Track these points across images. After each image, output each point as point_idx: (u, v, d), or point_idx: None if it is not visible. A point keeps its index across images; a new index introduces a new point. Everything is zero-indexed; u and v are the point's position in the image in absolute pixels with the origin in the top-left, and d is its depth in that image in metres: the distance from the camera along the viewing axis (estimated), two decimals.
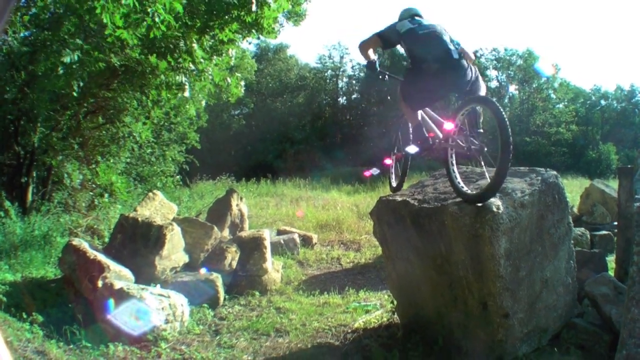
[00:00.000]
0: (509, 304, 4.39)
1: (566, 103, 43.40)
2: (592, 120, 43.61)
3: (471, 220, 4.36)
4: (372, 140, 33.06)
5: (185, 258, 7.58)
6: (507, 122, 4.04)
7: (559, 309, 4.91)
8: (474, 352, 4.67)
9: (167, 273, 7.20)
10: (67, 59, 7.75)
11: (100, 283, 6.10)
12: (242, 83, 11.87)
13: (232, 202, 9.72)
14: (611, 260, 7.15)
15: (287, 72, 42.54)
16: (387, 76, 5.63)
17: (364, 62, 5.50)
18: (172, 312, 5.97)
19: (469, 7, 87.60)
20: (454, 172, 4.76)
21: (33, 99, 9.18)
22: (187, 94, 10.40)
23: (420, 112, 5.24)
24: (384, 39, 5.28)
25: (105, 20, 7.16)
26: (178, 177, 16.28)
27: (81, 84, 8.22)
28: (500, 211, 4.30)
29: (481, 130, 4.62)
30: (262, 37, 10.94)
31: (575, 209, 11.55)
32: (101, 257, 6.61)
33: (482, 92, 4.98)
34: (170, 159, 15.99)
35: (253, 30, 10.10)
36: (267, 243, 8.36)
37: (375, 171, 7.68)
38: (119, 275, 6.46)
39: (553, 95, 43.71)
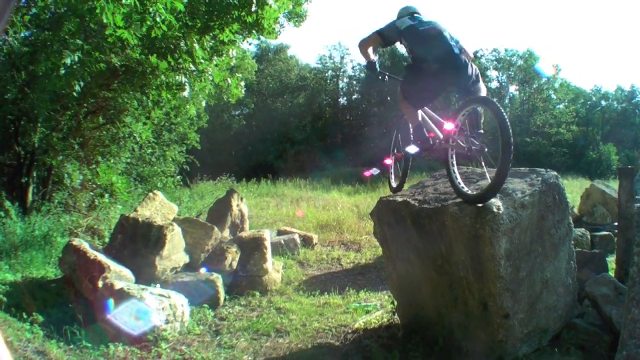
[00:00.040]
0: (509, 304, 4.39)
1: (567, 103, 43.40)
2: (593, 120, 43.60)
3: (471, 220, 4.36)
4: (372, 140, 33.05)
5: (185, 258, 7.58)
6: (508, 123, 4.04)
7: (559, 310, 4.91)
8: (475, 352, 4.67)
9: (167, 273, 7.20)
10: (67, 60, 7.76)
11: (100, 283, 6.10)
12: (242, 83, 11.88)
13: (232, 203, 9.72)
14: (611, 260, 7.15)
15: (288, 72, 42.54)
16: (387, 77, 5.64)
17: (364, 62, 5.51)
18: (172, 313, 5.96)
19: (469, 7, 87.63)
20: (455, 172, 4.76)
21: (33, 99, 9.19)
22: (186, 93, 10.41)
23: (420, 113, 5.24)
24: (384, 37, 5.29)
25: (105, 20, 7.16)
26: (178, 177, 16.29)
27: (82, 84, 8.22)
28: (500, 212, 4.30)
29: (482, 131, 4.62)
30: (262, 38, 10.94)
31: (575, 210, 11.54)
32: (101, 257, 6.61)
33: (483, 93, 4.99)
34: (170, 159, 16.00)
35: (254, 31, 10.11)
36: (268, 243, 8.36)
37: (375, 171, 7.68)
38: (119, 275, 6.46)
39: (553, 96, 43.70)
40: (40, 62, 8.32)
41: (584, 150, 38.89)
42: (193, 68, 9.66)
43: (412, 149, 5.24)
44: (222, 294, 7.29)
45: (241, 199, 10.15)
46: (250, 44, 19.18)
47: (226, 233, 9.22)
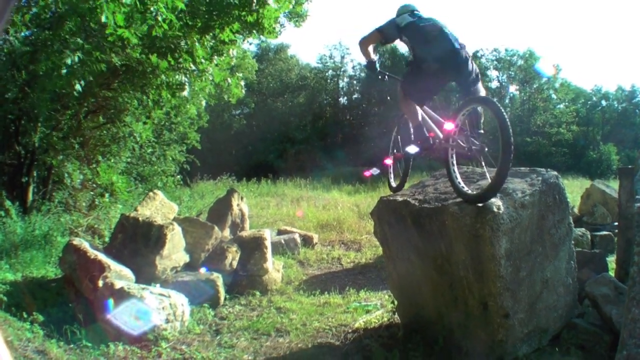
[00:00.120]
0: (510, 304, 4.39)
1: (567, 103, 43.46)
2: (593, 120, 43.67)
3: (472, 220, 4.36)
4: (372, 140, 33.07)
5: (185, 258, 7.58)
6: (508, 123, 4.04)
7: (560, 310, 4.91)
8: (475, 352, 4.67)
9: (167, 273, 7.20)
10: (68, 60, 7.76)
11: (100, 283, 6.10)
12: (243, 83, 11.89)
13: (232, 202, 9.72)
14: (612, 260, 7.15)
15: (288, 72, 42.56)
16: (386, 76, 5.65)
17: (364, 61, 5.51)
18: (172, 312, 5.96)
19: (469, 7, 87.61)
20: (455, 172, 4.76)
21: (34, 98, 9.18)
22: (186, 93, 10.42)
23: (420, 113, 5.24)
24: (384, 34, 5.30)
25: (104, 20, 7.16)
26: (179, 176, 16.29)
27: (83, 83, 8.22)
28: (500, 211, 4.30)
29: (482, 131, 4.62)
30: (263, 37, 10.94)
31: (575, 210, 11.55)
32: (102, 257, 6.61)
33: (482, 94, 5.00)
34: (170, 158, 16.00)
35: (254, 31, 10.11)
36: (268, 243, 8.36)
37: (375, 171, 7.67)
38: (119, 274, 6.46)
39: (554, 96, 43.76)
40: (41, 62, 8.32)
41: (584, 150, 38.94)
42: (193, 67, 9.66)
43: (412, 149, 5.24)
44: (222, 294, 7.29)
45: (241, 198, 10.15)
46: (250, 44, 19.22)
47: (226, 232, 9.22)
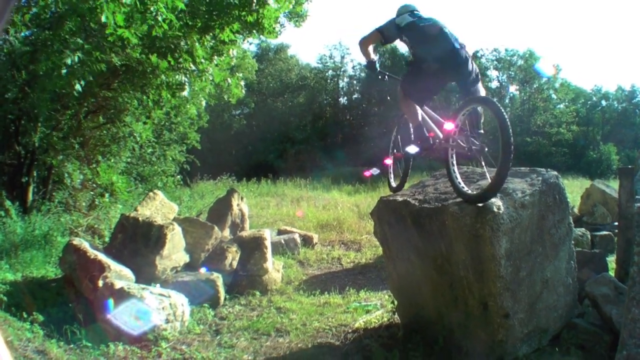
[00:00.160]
0: (510, 304, 4.39)
1: (567, 103, 43.45)
2: (593, 120, 43.65)
3: (472, 220, 4.36)
4: (372, 140, 33.06)
5: (185, 258, 7.58)
6: (508, 123, 4.04)
7: (560, 309, 4.91)
8: (475, 352, 4.67)
9: (167, 273, 7.20)
10: (68, 60, 7.76)
11: (100, 283, 6.10)
12: (242, 83, 11.89)
13: (232, 202, 9.72)
14: (612, 260, 7.15)
15: (288, 72, 42.55)
16: (386, 76, 5.66)
17: (364, 61, 5.52)
18: (172, 312, 5.96)
19: (470, 7, 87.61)
20: (455, 172, 4.76)
21: (34, 98, 9.18)
22: (185, 93, 10.42)
23: (420, 113, 5.24)
24: (384, 34, 5.30)
25: (104, 20, 7.16)
26: (179, 176, 16.29)
27: (83, 83, 8.22)
28: (500, 211, 4.30)
29: (482, 131, 4.62)
30: (263, 37, 10.95)
31: (575, 210, 11.55)
32: (102, 257, 6.61)
33: (482, 94, 5.01)
34: (170, 158, 16.00)
35: (254, 31, 10.11)
36: (268, 243, 8.36)
37: (375, 171, 7.68)
38: (119, 274, 6.46)
39: (554, 96, 43.74)
40: (41, 62, 8.32)
41: (584, 150, 38.93)
42: (193, 68, 9.66)
43: (412, 149, 5.24)
44: (222, 294, 7.29)
45: (241, 198, 10.15)
46: (250, 44, 19.22)
47: (226, 232, 9.22)
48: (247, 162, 34.07)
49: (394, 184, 6.19)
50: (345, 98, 44.55)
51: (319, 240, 11.59)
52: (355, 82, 44.05)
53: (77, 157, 11.33)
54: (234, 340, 5.98)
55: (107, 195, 11.56)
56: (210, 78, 10.43)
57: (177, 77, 9.82)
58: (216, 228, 8.25)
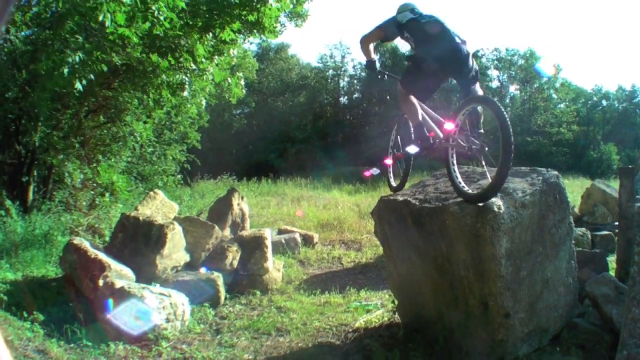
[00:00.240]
0: (510, 303, 4.39)
1: (567, 103, 43.46)
2: (594, 120, 43.66)
3: (472, 220, 4.36)
4: (373, 139, 33.02)
5: (186, 257, 7.58)
6: (509, 122, 4.03)
7: (560, 309, 4.91)
8: (475, 352, 4.67)
9: (168, 272, 7.20)
10: (69, 60, 7.75)
11: (101, 282, 6.10)
12: (243, 83, 11.89)
13: (233, 202, 9.72)
14: (612, 260, 7.15)
15: (289, 71, 42.53)
16: (386, 76, 5.65)
17: (364, 60, 5.51)
18: (173, 311, 5.97)
19: (470, 6, 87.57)
20: (455, 171, 4.75)
21: (34, 98, 9.17)
22: (186, 93, 10.42)
23: (421, 112, 5.24)
24: (385, 31, 5.32)
25: (101, 19, 7.16)
26: (179, 176, 16.28)
27: (85, 82, 8.21)
28: (501, 211, 4.30)
29: (482, 130, 4.62)
30: (263, 37, 10.94)
31: (576, 209, 11.55)
32: (102, 256, 6.61)
33: (480, 94, 5.01)
34: (171, 158, 15.99)
35: (255, 30, 10.11)
36: (268, 242, 8.37)
37: (375, 171, 7.66)
38: (119, 274, 6.46)
39: (554, 96, 43.74)
40: (41, 61, 8.32)
41: (584, 149, 38.93)
42: (194, 67, 9.65)
43: (412, 149, 5.23)
44: (222, 293, 7.29)
45: (242, 198, 10.16)
46: (251, 43, 19.21)
47: (227, 232, 9.23)
48: (248, 162, 34.06)
49: (394, 184, 6.18)
50: (346, 97, 44.54)
51: (320, 240, 11.59)
52: (355, 81, 44.03)
53: (78, 157, 11.33)
54: (235, 339, 5.98)
55: (107, 194, 11.56)
56: (211, 78, 10.43)
57: (177, 76, 9.82)
58: (217, 227, 8.25)
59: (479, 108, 4.65)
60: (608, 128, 43.93)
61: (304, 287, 8.34)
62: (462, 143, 4.70)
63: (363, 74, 41.19)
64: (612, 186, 12.02)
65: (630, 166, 6.81)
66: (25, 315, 5.70)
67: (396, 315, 6.24)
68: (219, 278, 7.32)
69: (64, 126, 10.87)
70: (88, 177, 11.45)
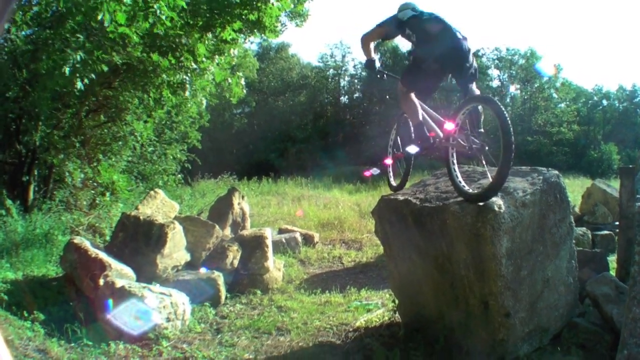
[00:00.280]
0: (511, 303, 4.38)
1: (568, 103, 43.48)
2: (594, 120, 43.71)
3: (473, 219, 4.36)
4: (373, 139, 32.99)
5: (186, 256, 7.58)
6: (509, 122, 4.03)
7: (560, 309, 4.90)
8: (475, 351, 4.67)
9: (168, 271, 7.20)
10: (71, 59, 7.75)
11: (101, 281, 6.11)
12: (243, 82, 11.88)
13: (233, 201, 9.72)
14: (612, 260, 7.14)
15: (289, 71, 42.59)
16: (385, 75, 5.64)
17: (364, 60, 5.50)
18: (173, 311, 5.97)
19: (471, 6, 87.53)
20: (456, 171, 4.75)
21: (35, 97, 9.17)
22: (187, 93, 10.42)
23: (421, 111, 5.24)
24: (386, 29, 5.31)
25: (100, 17, 7.16)
26: (180, 175, 16.28)
27: (87, 81, 8.20)
28: (501, 210, 4.29)
29: (482, 130, 4.61)
30: (264, 36, 10.93)
31: (576, 209, 11.54)
32: (102, 256, 6.61)
33: (477, 93, 5.00)
34: (171, 157, 15.99)
35: (255, 30, 10.11)
36: (269, 242, 8.37)
37: (375, 171, 7.65)
38: (120, 273, 6.46)
39: (555, 95, 43.77)
40: (42, 61, 8.32)
41: (585, 149, 38.96)
42: (194, 66, 9.65)
43: (412, 148, 5.22)
44: (223, 292, 7.29)
45: (242, 197, 10.16)
46: (252, 43, 19.22)
47: (227, 231, 9.23)
48: (248, 161, 34.11)
49: (394, 183, 6.17)
50: (346, 97, 44.59)
51: (320, 239, 11.59)
52: (356, 81, 44.09)
53: (78, 156, 11.33)
54: (235, 339, 5.98)
55: (108, 194, 11.56)
56: (212, 77, 10.43)
57: (178, 76, 9.82)
58: (217, 227, 8.25)
59: (480, 107, 4.65)
60: (608, 128, 43.98)
61: (305, 287, 8.34)
62: (462, 142, 4.69)
63: (364, 73, 41.21)
64: (613, 186, 12.02)
65: (630, 166, 6.80)
66: (26, 314, 5.70)
67: (397, 315, 6.23)
68: (220, 277, 7.32)
69: (65, 125, 10.87)
70: (88, 176, 11.46)
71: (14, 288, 6.47)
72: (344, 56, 43.56)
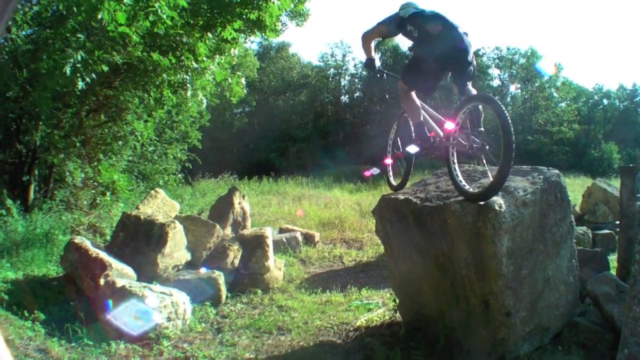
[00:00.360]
0: (511, 302, 4.38)
1: (568, 102, 43.51)
2: (595, 119, 43.71)
3: (473, 218, 4.35)
4: (374, 138, 33.01)
5: (187, 256, 7.58)
6: (510, 121, 4.03)
7: (561, 308, 4.90)
8: (476, 350, 4.67)
9: (169, 271, 7.20)
10: (71, 59, 7.75)
11: (102, 281, 6.10)
12: (244, 81, 11.88)
13: (234, 200, 9.73)
14: (613, 259, 7.14)
15: (290, 70, 42.61)
16: (385, 74, 5.64)
17: (364, 59, 5.49)
18: (174, 310, 5.97)
19: (471, 5, 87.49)
20: (456, 170, 4.74)
21: (35, 97, 9.17)
22: (188, 93, 10.41)
23: (422, 111, 5.23)
24: (387, 27, 5.29)
25: (99, 16, 7.16)
26: (180, 175, 16.28)
27: (88, 80, 8.20)
28: (502, 210, 4.29)
29: (482, 129, 4.61)
30: (264, 36, 10.93)
31: (577, 208, 11.53)
32: (103, 255, 6.60)
33: (474, 92, 4.99)
34: (172, 157, 16.00)
35: (256, 29, 10.11)
36: (270, 241, 8.37)
37: (375, 171, 7.65)
38: (121, 273, 6.46)
39: (555, 94, 43.79)
40: (42, 60, 8.32)
41: (585, 148, 38.97)
42: (195, 66, 9.65)
43: (412, 148, 5.22)
44: (223, 292, 7.29)
45: (243, 196, 10.16)
46: (252, 42, 19.21)
47: (228, 231, 9.23)
48: (249, 161, 34.14)
49: (394, 183, 6.16)
50: (347, 96, 44.64)
51: (321, 239, 11.59)
52: (356, 80, 44.11)
53: (79, 156, 11.33)
54: (236, 338, 5.98)
55: (108, 193, 11.56)
56: (212, 77, 10.42)
57: (178, 75, 9.82)
58: (218, 226, 8.26)
59: (480, 107, 4.64)
60: (609, 127, 43.97)
61: (305, 286, 8.34)
62: (462, 142, 4.68)
63: (364, 72, 41.19)
64: (613, 185, 12.01)
65: (631, 165, 6.81)
66: (26, 314, 5.70)
67: (397, 314, 6.23)
68: (220, 277, 7.32)
69: (65, 125, 10.87)
70: (89, 176, 11.46)
71: (15, 288, 6.48)
72: (344, 55, 43.67)
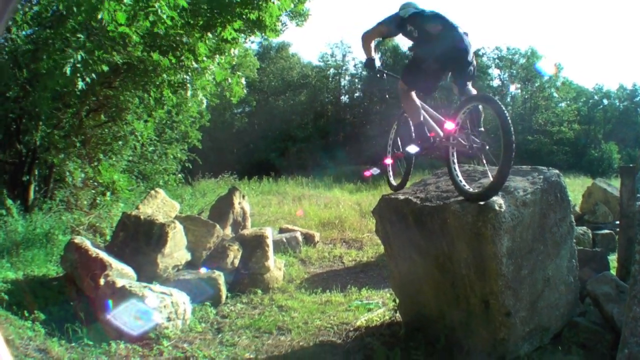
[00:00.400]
0: (511, 302, 4.38)
1: (568, 102, 43.53)
2: (595, 119, 43.72)
3: (473, 218, 4.35)
4: (374, 138, 33.02)
5: (187, 256, 7.58)
6: (510, 121, 4.03)
7: (561, 308, 4.90)
8: (476, 350, 4.67)
9: (169, 271, 7.20)
10: (71, 59, 7.75)
11: (102, 281, 6.10)
12: (244, 82, 11.88)
13: (234, 200, 9.73)
14: (613, 259, 7.13)
15: (290, 70, 42.61)
16: (385, 74, 5.64)
17: (364, 59, 5.49)
18: (174, 310, 5.97)
19: (472, 5, 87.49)
20: (456, 170, 4.74)
21: (35, 97, 9.16)
22: (188, 93, 10.41)
23: (422, 111, 5.23)
24: (387, 27, 5.29)
25: (99, 17, 7.16)
26: (180, 175, 16.28)
27: (89, 80, 8.19)
28: (502, 210, 4.29)
29: (482, 129, 4.61)
30: (264, 36, 10.93)
31: (577, 208, 11.53)
32: (103, 255, 6.60)
33: (473, 92, 4.99)
34: (172, 157, 16.00)
35: (256, 29, 10.11)
36: (270, 241, 8.36)
37: (375, 171, 7.65)
38: (121, 273, 6.45)
39: (555, 94, 43.80)
40: (42, 60, 8.31)
41: (585, 148, 38.99)
42: (195, 65, 9.65)
43: (412, 148, 5.22)
44: (224, 292, 7.29)
45: (243, 196, 10.16)
46: (252, 42, 19.21)
47: (228, 231, 9.23)
48: (249, 161, 34.15)
49: (394, 183, 6.15)
50: (347, 96, 44.65)
51: (321, 239, 11.59)
52: (356, 80, 44.12)
53: (79, 156, 11.33)
54: (236, 338, 5.98)
55: (108, 193, 11.57)
56: (212, 77, 10.42)
57: (178, 75, 9.82)
58: (218, 226, 8.25)
59: (480, 107, 4.64)
60: (609, 127, 43.98)
61: (305, 286, 8.34)
62: (462, 142, 4.68)
63: (364, 72, 41.19)
64: (613, 185, 12.01)
65: (631, 165, 6.81)
66: (26, 314, 5.70)
67: (397, 314, 6.22)
68: (220, 277, 7.32)
69: (65, 125, 10.86)
70: (89, 176, 11.46)
71: (15, 288, 6.47)
72: (344, 55, 43.68)
